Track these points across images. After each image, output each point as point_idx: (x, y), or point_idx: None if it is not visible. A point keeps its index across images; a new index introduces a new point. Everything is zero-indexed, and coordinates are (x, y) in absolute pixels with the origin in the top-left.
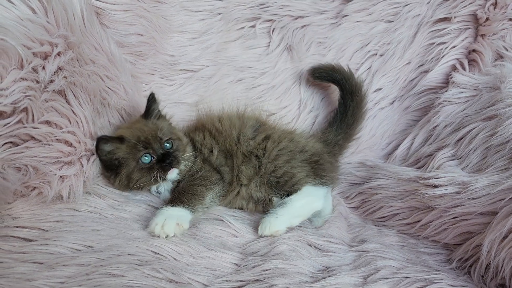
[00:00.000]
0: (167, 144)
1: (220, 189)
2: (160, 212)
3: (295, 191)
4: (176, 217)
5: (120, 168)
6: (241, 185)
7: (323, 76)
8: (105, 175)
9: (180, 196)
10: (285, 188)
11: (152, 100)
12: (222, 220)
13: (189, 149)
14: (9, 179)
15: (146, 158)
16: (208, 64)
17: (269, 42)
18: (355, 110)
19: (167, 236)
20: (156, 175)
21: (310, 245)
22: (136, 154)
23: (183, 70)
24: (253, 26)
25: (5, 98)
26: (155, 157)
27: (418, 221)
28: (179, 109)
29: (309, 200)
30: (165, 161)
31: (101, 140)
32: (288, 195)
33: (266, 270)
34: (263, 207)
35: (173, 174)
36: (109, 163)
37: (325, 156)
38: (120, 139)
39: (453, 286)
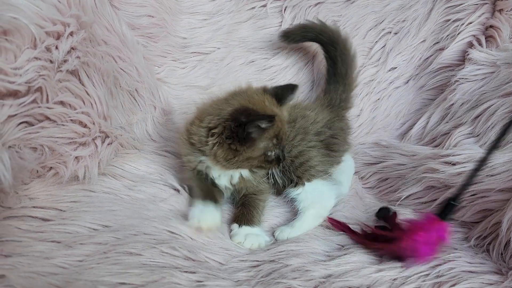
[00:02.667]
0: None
1: None
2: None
3: (307, 179)
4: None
5: (246, 147)
6: None
7: (297, 39)
8: (228, 143)
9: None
10: (298, 172)
11: (294, 91)
12: None
13: None
14: (26, 158)
15: (273, 153)
16: (220, 46)
17: (281, 21)
18: (343, 57)
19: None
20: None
21: (323, 226)
22: (269, 145)
23: (195, 52)
24: (264, 6)
25: (19, 77)
26: (277, 154)
27: (435, 200)
28: (191, 92)
29: (323, 206)
30: (281, 161)
31: (273, 119)
32: (296, 184)
33: (281, 252)
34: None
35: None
36: (243, 135)
37: (335, 124)
38: (272, 121)
39: (471, 263)
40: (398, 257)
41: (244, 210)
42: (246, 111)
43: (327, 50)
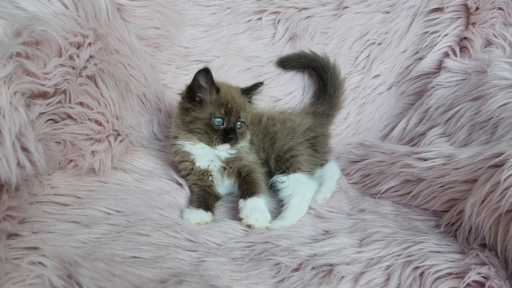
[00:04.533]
0: (238, 124)
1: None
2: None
3: (293, 170)
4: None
5: (196, 107)
6: None
7: (293, 65)
8: (182, 103)
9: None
10: (287, 163)
11: (259, 86)
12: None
13: (247, 141)
14: (53, 149)
15: (219, 121)
16: (219, 55)
17: (275, 33)
18: (333, 80)
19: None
20: (214, 139)
21: (311, 214)
22: (215, 112)
23: (197, 60)
24: (260, 19)
25: (48, 81)
26: (224, 126)
27: (410, 192)
28: None
29: (303, 195)
30: (228, 134)
31: (208, 72)
32: (284, 172)
33: (272, 235)
34: None
35: (224, 147)
36: (192, 95)
37: (317, 128)
38: (216, 89)
39: (438, 245)
40: None
41: (246, 186)
42: (196, 73)
43: (319, 73)
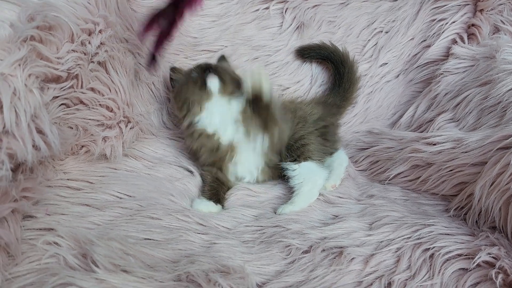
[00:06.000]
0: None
1: None
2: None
3: (304, 158)
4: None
5: (176, 89)
6: None
7: (312, 55)
8: (171, 96)
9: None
10: (298, 151)
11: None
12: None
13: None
14: (66, 133)
15: (194, 74)
16: (227, 44)
17: (282, 22)
18: (349, 75)
19: None
20: (199, 82)
21: (320, 199)
22: (188, 77)
23: (205, 50)
24: (267, 8)
25: (61, 65)
26: (200, 72)
27: (419, 177)
28: None
29: (314, 182)
30: (206, 70)
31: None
32: (295, 160)
33: (281, 220)
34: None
35: (211, 79)
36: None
37: (327, 118)
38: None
39: (448, 227)
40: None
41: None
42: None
43: (336, 66)
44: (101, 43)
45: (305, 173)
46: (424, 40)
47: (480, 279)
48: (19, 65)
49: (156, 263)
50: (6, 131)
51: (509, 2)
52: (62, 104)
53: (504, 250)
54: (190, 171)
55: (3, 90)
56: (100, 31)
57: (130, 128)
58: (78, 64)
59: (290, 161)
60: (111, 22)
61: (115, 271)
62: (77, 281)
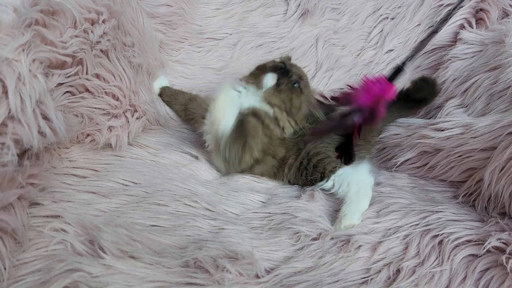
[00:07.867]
0: None
1: None
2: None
3: (330, 171)
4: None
5: None
6: None
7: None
8: None
9: None
10: (318, 169)
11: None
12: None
13: None
14: (71, 121)
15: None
16: (232, 32)
17: (287, 9)
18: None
19: None
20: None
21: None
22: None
23: (210, 38)
24: None
25: (65, 50)
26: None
27: (427, 164)
28: (207, 73)
29: (357, 182)
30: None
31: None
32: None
33: (289, 207)
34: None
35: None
36: None
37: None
38: None
39: (456, 214)
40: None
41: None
42: None
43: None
44: (104, 33)
45: (345, 178)
46: (431, 26)
47: (490, 264)
48: (23, 50)
49: (164, 249)
50: (11, 116)
51: None
52: (67, 91)
53: None
54: (196, 157)
55: (8, 75)
56: (103, 21)
57: (137, 118)
58: (83, 49)
59: (319, 181)
60: (115, 11)
61: (122, 257)
62: (85, 267)
